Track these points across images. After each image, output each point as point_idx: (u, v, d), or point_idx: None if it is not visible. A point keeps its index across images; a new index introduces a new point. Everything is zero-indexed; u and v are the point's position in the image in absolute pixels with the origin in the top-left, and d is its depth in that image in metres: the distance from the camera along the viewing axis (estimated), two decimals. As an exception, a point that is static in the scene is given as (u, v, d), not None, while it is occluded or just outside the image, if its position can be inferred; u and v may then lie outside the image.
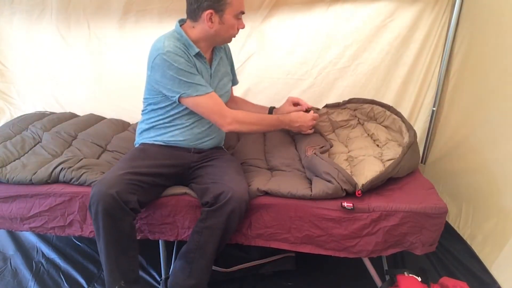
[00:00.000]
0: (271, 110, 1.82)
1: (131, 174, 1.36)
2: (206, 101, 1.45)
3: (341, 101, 2.10)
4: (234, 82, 1.79)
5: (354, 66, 2.18)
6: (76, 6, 2.19)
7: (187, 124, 1.53)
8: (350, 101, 1.96)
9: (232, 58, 1.74)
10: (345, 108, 1.95)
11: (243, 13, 1.46)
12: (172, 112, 1.51)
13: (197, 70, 1.45)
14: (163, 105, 1.51)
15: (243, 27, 1.50)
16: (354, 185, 1.38)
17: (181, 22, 1.50)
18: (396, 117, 1.77)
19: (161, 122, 1.54)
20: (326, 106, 1.98)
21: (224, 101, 1.61)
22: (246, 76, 2.23)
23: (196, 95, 1.42)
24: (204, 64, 1.50)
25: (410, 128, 1.64)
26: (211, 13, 1.38)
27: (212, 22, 1.40)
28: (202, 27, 1.43)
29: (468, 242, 1.69)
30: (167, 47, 1.38)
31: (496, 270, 1.49)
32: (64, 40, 2.28)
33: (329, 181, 1.40)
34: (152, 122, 1.56)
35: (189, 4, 1.42)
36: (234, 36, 1.52)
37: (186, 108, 1.48)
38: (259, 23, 2.16)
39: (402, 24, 2.05)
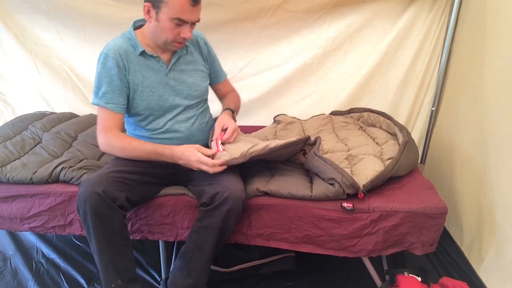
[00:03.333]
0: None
1: (116, 172, 1.37)
2: (99, 112, 1.45)
3: (340, 103, 2.16)
4: (219, 78, 1.71)
5: (354, 69, 2.18)
6: (70, 11, 2.17)
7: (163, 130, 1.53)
8: (351, 110, 2.08)
9: (210, 55, 1.64)
10: (347, 117, 2.05)
11: (182, 21, 1.33)
12: (141, 124, 1.52)
13: (134, 73, 1.42)
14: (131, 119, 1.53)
15: (187, 37, 1.37)
16: (357, 188, 1.38)
17: (139, 23, 1.49)
18: (389, 121, 1.85)
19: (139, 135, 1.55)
20: (332, 113, 2.11)
21: (198, 98, 1.57)
22: (246, 83, 2.22)
23: (93, 103, 1.44)
24: (157, 63, 1.47)
25: (402, 128, 1.72)
26: (149, 6, 1.34)
27: (150, 17, 1.36)
28: (147, 22, 1.41)
29: (458, 243, 1.71)
30: (106, 47, 1.42)
31: (483, 273, 1.51)
32: (63, 41, 2.28)
33: (331, 184, 1.40)
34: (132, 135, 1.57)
35: None
36: (178, 43, 1.40)
37: (147, 118, 1.50)
38: (259, 30, 2.15)
39: (401, 25, 2.06)
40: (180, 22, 1.34)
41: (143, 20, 1.47)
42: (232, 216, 1.34)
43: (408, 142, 1.60)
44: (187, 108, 1.56)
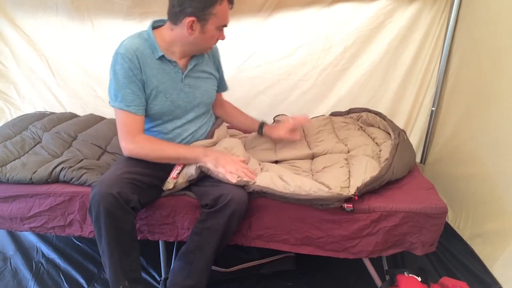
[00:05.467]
0: (261, 125, 1.78)
1: (129, 173, 1.36)
2: (120, 116, 1.40)
3: (340, 101, 2.19)
4: (223, 88, 1.75)
5: (354, 67, 2.18)
6: (79, 7, 2.18)
7: (170, 136, 1.53)
8: (351, 111, 2.09)
9: (220, 63, 1.67)
10: (347, 117, 2.06)
11: (225, 26, 1.41)
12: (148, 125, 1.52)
13: (149, 76, 1.40)
14: None
15: (223, 39, 1.45)
16: (342, 200, 1.36)
17: (158, 23, 1.45)
18: (384, 121, 1.86)
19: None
20: (332, 114, 2.13)
21: (207, 107, 1.61)
22: (247, 77, 2.24)
23: (113, 106, 1.40)
24: (174, 68, 1.45)
25: (395, 128, 1.73)
26: (193, 21, 1.33)
27: (192, 30, 1.35)
28: (180, 32, 1.37)
29: (469, 242, 1.70)
30: (122, 47, 1.37)
31: (498, 270, 1.49)
32: (66, 39, 2.28)
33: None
34: None
35: (171, 5, 1.35)
36: (212, 48, 1.50)
37: (160, 119, 1.50)
38: (261, 24, 2.16)
39: (401, 24, 2.06)
40: (222, 27, 1.40)
41: (162, 21, 1.44)
42: (235, 218, 1.34)
43: (400, 144, 1.60)
44: (196, 117, 1.57)
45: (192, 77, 1.51)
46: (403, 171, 1.54)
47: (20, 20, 2.27)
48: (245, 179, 1.36)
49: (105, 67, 2.27)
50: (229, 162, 1.40)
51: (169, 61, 1.44)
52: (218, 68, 1.66)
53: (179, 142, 1.55)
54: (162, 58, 1.42)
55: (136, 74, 1.38)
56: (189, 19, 1.32)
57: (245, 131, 1.98)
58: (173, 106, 1.48)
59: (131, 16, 2.17)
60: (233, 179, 1.35)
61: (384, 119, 1.88)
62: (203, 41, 1.40)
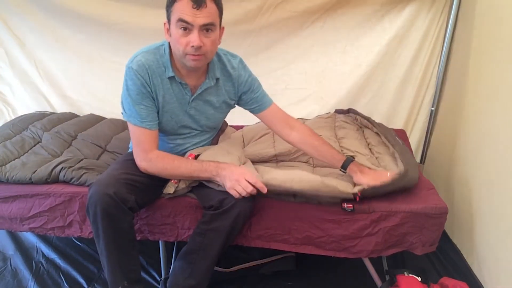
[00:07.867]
0: (348, 162, 1.45)
1: (126, 174, 1.36)
2: (134, 131, 1.38)
3: (340, 103, 2.22)
4: (264, 104, 1.54)
5: (352, 68, 2.18)
6: (68, 11, 2.16)
7: (172, 145, 1.54)
8: (349, 110, 2.13)
9: (249, 84, 1.49)
10: (348, 116, 2.09)
11: (186, 22, 1.21)
12: None
13: (158, 95, 1.38)
14: None
15: (194, 44, 1.23)
16: (347, 196, 1.36)
17: None
18: (374, 128, 1.89)
19: None
20: (336, 111, 2.17)
21: (212, 129, 1.59)
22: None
23: (128, 120, 1.38)
24: (182, 90, 1.41)
25: (394, 143, 1.67)
26: (166, 23, 1.29)
27: (169, 35, 1.30)
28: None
29: (456, 244, 1.72)
30: (135, 62, 1.32)
31: (482, 274, 1.51)
32: (64, 40, 2.28)
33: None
34: None
35: None
36: (191, 55, 1.26)
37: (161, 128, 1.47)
38: (257, 33, 2.14)
39: (400, 24, 2.06)
40: (185, 25, 1.22)
41: None
42: (240, 220, 1.33)
43: (403, 152, 1.57)
44: (202, 132, 1.57)
45: (201, 100, 1.46)
46: (415, 178, 1.44)
47: (12, 22, 2.26)
48: (244, 194, 1.30)
49: (97, 71, 2.31)
50: (231, 180, 1.31)
51: (180, 83, 1.40)
52: (241, 93, 1.51)
53: (181, 151, 1.55)
54: (172, 78, 1.39)
55: (148, 91, 1.36)
56: (164, 23, 1.31)
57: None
58: (177, 126, 1.48)
59: (120, 20, 2.15)
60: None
61: (374, 125, 1.89)
62: (173, 45, 1.29)
